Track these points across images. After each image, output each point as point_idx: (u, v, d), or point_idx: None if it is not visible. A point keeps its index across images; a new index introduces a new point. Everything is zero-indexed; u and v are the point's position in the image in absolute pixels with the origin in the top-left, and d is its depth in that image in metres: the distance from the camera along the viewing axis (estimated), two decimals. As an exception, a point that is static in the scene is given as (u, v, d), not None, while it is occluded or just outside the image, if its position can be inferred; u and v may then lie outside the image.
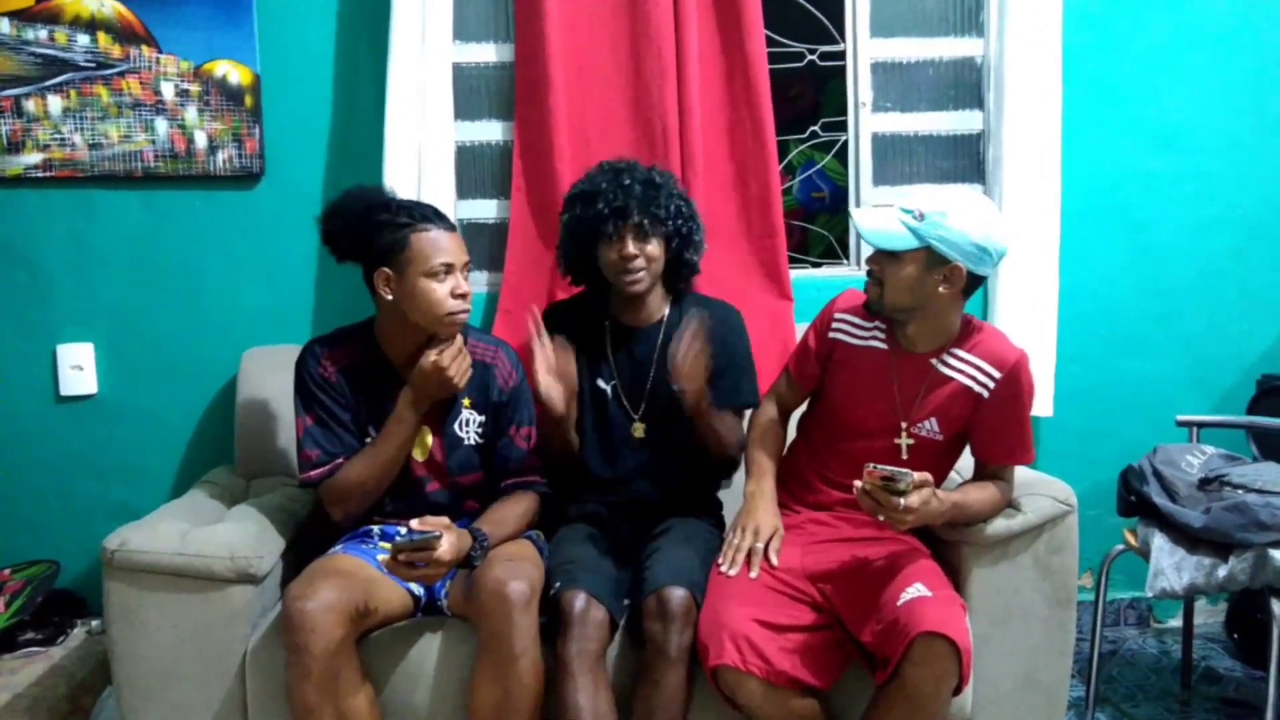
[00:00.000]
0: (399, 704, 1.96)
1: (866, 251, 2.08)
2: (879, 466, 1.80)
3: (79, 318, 2.65)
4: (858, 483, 1.83)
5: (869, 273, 2.03)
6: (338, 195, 2.10)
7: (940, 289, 1.96)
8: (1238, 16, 2.80)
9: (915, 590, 1.83)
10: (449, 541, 1.83)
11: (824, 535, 2.09)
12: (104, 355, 2.67)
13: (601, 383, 2.23)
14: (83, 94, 2.58)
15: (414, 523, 1.84)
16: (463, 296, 2.01)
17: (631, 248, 2.12)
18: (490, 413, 2.13)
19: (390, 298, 2.02)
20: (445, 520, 1.87)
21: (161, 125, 2.61)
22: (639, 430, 2.22)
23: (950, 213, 1.93)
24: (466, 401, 2.11)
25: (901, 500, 1.79)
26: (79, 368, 2.65)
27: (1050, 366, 2.71)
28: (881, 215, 1.99)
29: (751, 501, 2.12)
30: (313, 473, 2.04)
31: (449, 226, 2.04)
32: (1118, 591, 2.90)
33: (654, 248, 2.15)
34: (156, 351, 2.67)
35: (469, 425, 2.12)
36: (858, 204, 2.87)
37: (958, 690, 1.82)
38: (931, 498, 1.83)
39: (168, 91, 2.60)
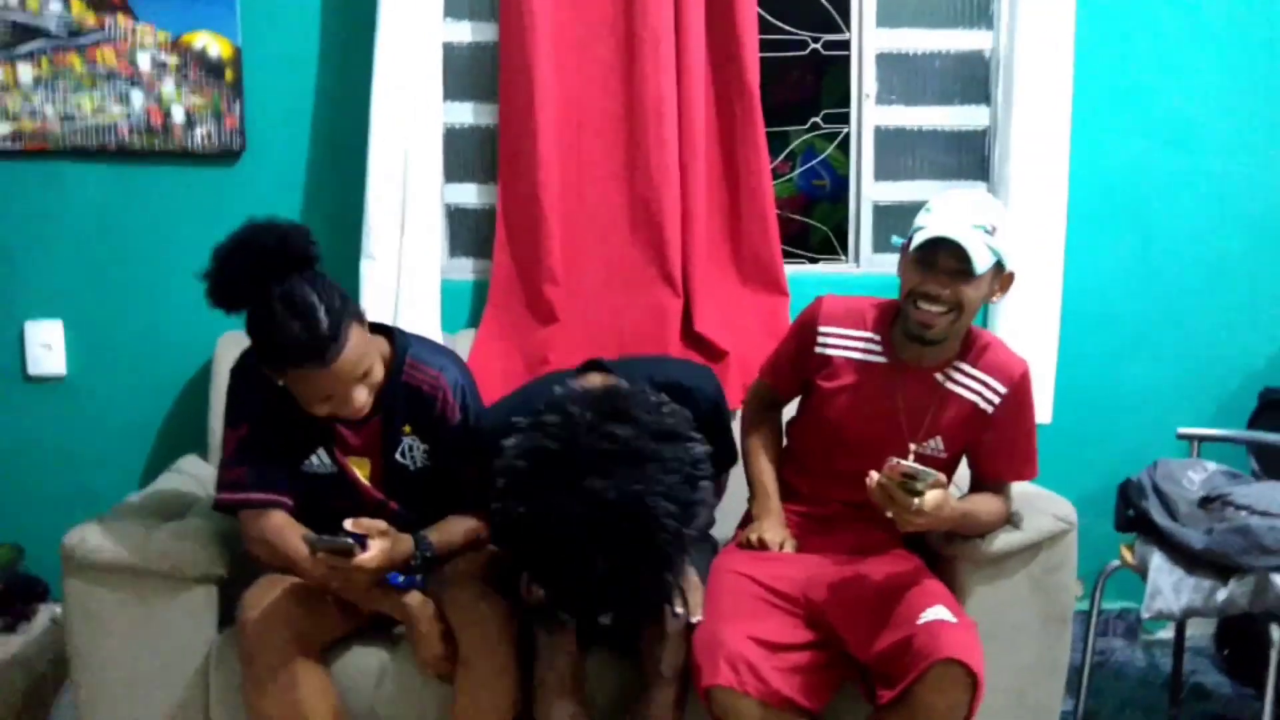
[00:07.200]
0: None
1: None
2: (901, 462, 1.74)
3: (48, 295, 2.56)
4: (874, 475, 1.75)
5: (938, 299, 1.85)
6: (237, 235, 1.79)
7: (994, 300, 1.94)
8: (1251, 14, 2.73)
9: (937, 612, 1.76)
10: (378, 547, 1.71)
11: (823, 550, 2.01)
12: (73, 336, 2.58)
13: None
14: (55, 63, 2.47)
15: (348, 523, 1.70)
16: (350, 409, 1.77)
17: None
18: (431, 438, 1.93)
19: None
20: (381, 524, 1.74)
21: (137, 98, 2.50)
22: None
23: (1005, 216, 1.90)
24: (406, 428, 1.93)
25: (916, 500, 1.73)
26: (48, 346, 2.56)
27: (1050, 370, 2.65)
28: (972, 238, 1.81)
29: (760, 521, 2.04)
30: (236, 494, 1.82)
31: (326, 357, 1.67)
32: (1108, 601, 2.83)
33: None
34: (128, 333, 2.59)
35: (412, 451, 1.94)
36: (858, 199, 2.79)
37: None
38: (945, 502, 1.78)
39: (144, 63, 2.49)
